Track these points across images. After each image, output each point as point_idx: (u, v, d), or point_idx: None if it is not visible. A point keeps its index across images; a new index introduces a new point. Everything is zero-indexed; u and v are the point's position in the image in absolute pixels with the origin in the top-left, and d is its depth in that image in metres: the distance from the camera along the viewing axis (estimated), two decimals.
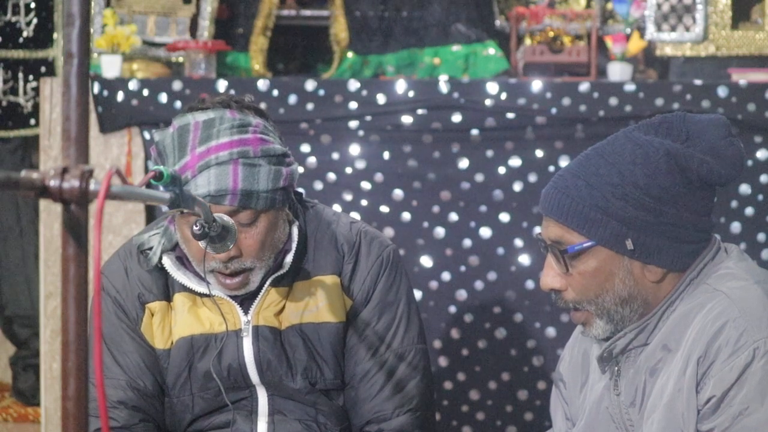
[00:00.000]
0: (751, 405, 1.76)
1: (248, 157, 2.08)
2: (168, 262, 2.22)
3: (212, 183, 2.06)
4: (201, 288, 2.21)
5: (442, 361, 3.63)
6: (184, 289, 2.23)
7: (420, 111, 3.60)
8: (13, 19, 4.21)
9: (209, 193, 2.05)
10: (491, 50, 4.05)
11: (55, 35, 4.25)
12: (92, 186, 1.13)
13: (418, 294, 3.55)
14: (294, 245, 2.23)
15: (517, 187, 3.61)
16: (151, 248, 2.23)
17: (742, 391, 1.76)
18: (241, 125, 2.11)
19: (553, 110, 3.58)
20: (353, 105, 3.60)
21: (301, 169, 3.53)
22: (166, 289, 2.26)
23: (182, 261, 2.23)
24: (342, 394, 2.31)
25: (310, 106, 3.59)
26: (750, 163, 3.60)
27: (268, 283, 2.21)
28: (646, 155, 1.85)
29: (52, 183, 1.12)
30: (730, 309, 1.81)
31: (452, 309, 3.63)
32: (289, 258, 2.22)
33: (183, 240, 2.17)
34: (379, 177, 3.62)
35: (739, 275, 1.88)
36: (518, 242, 3.61)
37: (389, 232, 3.59)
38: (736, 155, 1.88)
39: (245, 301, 2.24)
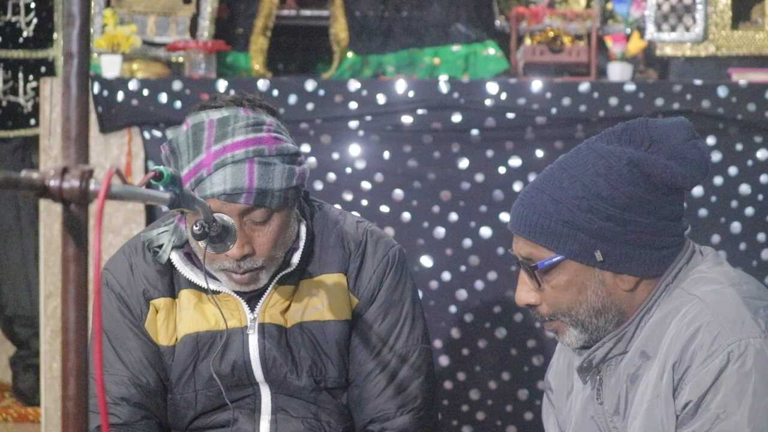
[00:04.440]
0: (728, 408, 1.75)
1: (263, 156, 2.09)
2: (176, 258, 2.22)
3: (228, 181, 2.06)
4: (209, 284, 2.21)
5: (443, 361, 3.63)
6: (190, 285, 2.24)
7: (420, 111, 3.60)
8: (13, 19, 4.21)
9: (225, 191, 2.06)
10: (491, 50, 4.05)
11: (55, 35, 4.25)
12: (92, 186, 1.13)
13: (418, 294, 3.55)
14: (302, 244, 2.23)
15: (517, 187, 3.61)
16: (160, 246, 2.24)
17: (719, 395, 1.75)
18: (256, 123, 2.12)
19: (553, 110, 3.58)
20: (353, 105, 3.60)
21: None
22: (171, 285, 2.26)
23: (190, 257, 2.23)
24: (346, 393, 2.32)
25: (310, 106, 3.59)
26: (750, 163, 3.60)
27: (275, 281, 2.22)
28: (608, 165, 1.85)
29: (52, 183, 1.12)
30: (703, 313, 1.80)
31: (452, 309, 3.63)
32: (296, 256, 2.22)
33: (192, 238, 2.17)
34: (379, 177, 3.62)
35: (713, 278, 1.87)
36: None
37: (389, 232, 3.59)
38: (700, 157, 1.87)
39: (251, 299, 2.24)
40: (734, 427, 1.74)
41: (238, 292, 2.22)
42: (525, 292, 1.93)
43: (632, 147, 1.87)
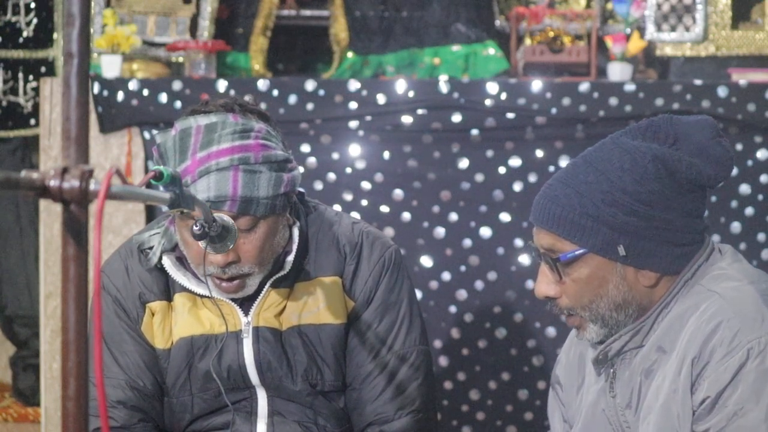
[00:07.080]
0: (746, 405, 1.76)
1: (249, 164, 2.08)
2: (168, 263, 2.22)
3: (212, 189, 2.06)
4: (200, 289, 2.20)
5: (443, 361, 3.63)
6: (185, 289, 2.23)
7: (420, 111, 3.60)
8: (13, 19, 4.21)
9: (209, 199, 2.05)
10: (491, 50, 4.05)
11: (55, 35, 4.25)
12: (92, 186, 1.13)
13: (418, 294, 3.55)
14: (295, 246, 2.22)
15: (517, 187, 3.61)
16: (151, 248, 2.23)
17: (737, 392, 1.76)
18: (243, 130, 2.10)
19: (553, 110, 3.58)
20: (353, 105, 3.60)
21: (301, 169, 3.53)
22: (167, 288, 2.26)
23: (182, 262, 2.23)
24: (342, 396, 2.31)
25: (310, 106, 3.59)
26: (750, 163, 3.60)
27: (268, 284, 2.21)
28: (633, 161, 1.86)
29: (52, 183, 1.12)
30: (724, 309, 1.81)
31: (452, 309, 3.63)
32: (290, 259, 2.22)
33: (182, 242, 2.17)
34: (379, 177, 3.62)
35: (733, 276, 1.88)
36: (518, 242, 3.61)
37: (389, 232, 3.59)
38: (724, 155, 1.89)
39: (245, 302, 2.23)
40: (751, 423, 1.75)
41: (229, 297, 2.22)
42: (545, 285, 1.93)
43: (657, 143, 1.89)
